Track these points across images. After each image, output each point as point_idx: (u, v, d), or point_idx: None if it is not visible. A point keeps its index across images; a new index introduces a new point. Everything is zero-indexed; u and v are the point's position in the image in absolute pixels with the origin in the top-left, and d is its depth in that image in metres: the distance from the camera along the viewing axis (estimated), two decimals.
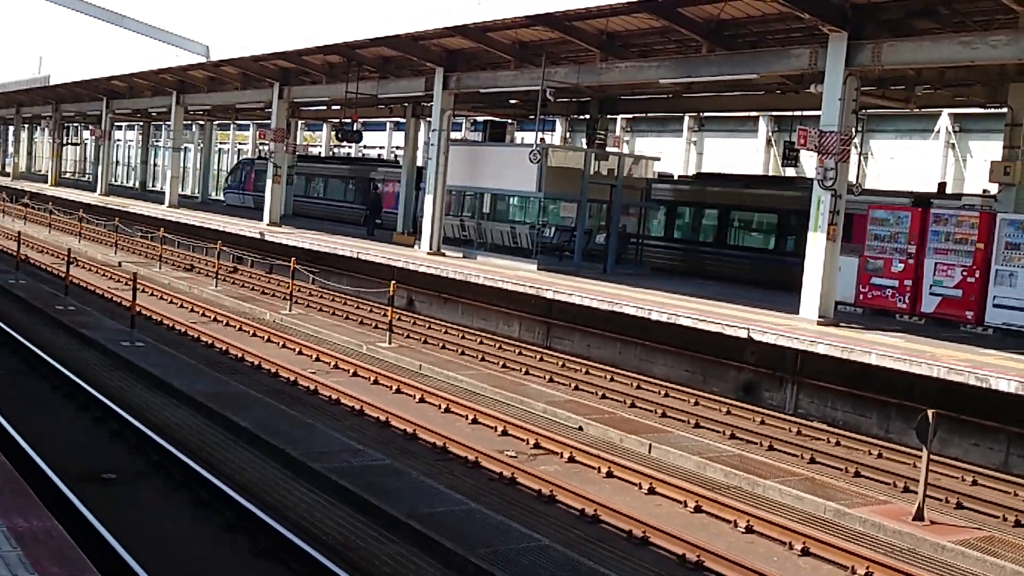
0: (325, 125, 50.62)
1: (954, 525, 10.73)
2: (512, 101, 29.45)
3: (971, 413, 13.41)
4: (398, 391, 15.80)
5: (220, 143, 62.21)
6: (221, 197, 51.91)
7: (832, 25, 16.10)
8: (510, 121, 32.32)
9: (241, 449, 11.71)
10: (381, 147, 49.98)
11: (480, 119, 34.88)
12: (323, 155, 52.69)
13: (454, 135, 27.92)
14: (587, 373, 18.21)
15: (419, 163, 31.75)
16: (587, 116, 28.97)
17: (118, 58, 38.45)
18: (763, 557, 9.64)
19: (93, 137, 55.04)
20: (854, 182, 17.89)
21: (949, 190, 24.47)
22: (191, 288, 25.82)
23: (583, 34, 20.99)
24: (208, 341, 18.84)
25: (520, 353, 19.83)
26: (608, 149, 27.19)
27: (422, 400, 15.26)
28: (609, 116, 30.75)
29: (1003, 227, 16.96)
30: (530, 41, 22.78)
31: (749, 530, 10.35)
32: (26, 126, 67.43)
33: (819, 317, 16.61)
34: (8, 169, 66.04)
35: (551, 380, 17.49)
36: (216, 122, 55.56)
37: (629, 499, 11.13)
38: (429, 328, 22.17)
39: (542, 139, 24.99)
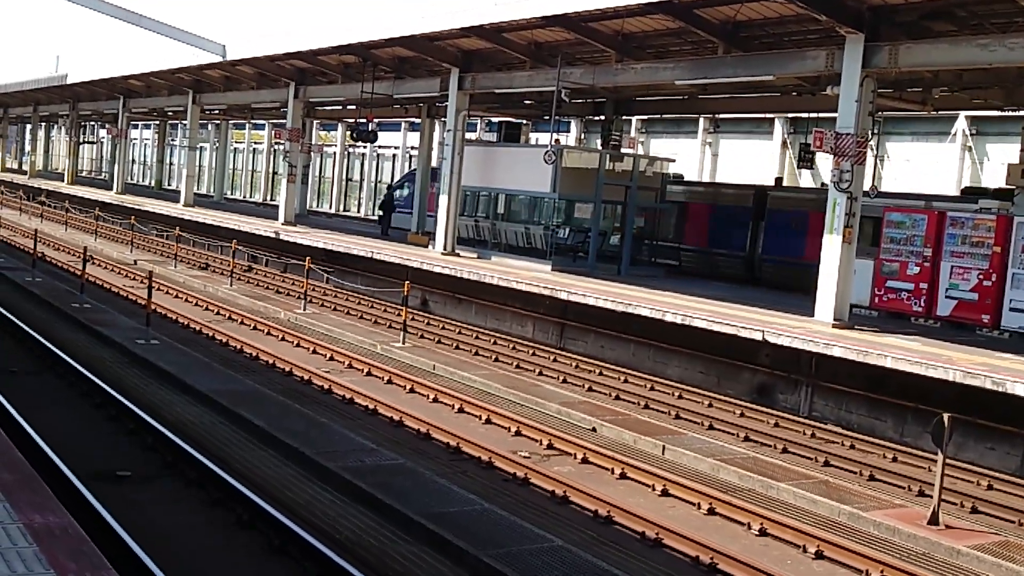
0: (340, 125, 50.73)
1: (969, 529, 10.69)
2: (527, 102, 29.48)
3: (987, 417, 13.35)
4: (412, 391, 15.82)
5: (236, 142, 62.46)
6: (375, 217, 40.74)
7: (849, 27, 16.05)
8: (525, 122, 32.31)
9: (255, 447, 11.74)
10: (396, 147, 49.99)
11: (495, 120, 34.86)
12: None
13: (469, 135, 27.93)
14: (601, 374, 18.19)
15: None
16: (602, 117, 28.96)
17: (135, 57, 38.58)
18: (777, 560, 9.62)
19: (109, 136, 55.30)
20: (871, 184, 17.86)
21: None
22: (206, 287, 25.91)
23: (599, 35, 20.97)
24: (223, 339, 18.90)
25: (534, 354, 19.83)
26: (623, 150, 27.15)
27: (436, 400, 15.27)
28: (624, 117, 30.70)
29: (1020, 230, 16.88)
30: (545, 42, 22.78)
31: (763, 533, 10.32)
32: (43, 124, 67.84)
33: (834, 320, 16.55)
34: (25, 167, 66.45)
35: (565, 381, 17.48)
36: (232, 121, 55.80)
37: (643, 500, 11.12)
38: (443, 328, 22.18)
39: (557, 140, 24.97)
